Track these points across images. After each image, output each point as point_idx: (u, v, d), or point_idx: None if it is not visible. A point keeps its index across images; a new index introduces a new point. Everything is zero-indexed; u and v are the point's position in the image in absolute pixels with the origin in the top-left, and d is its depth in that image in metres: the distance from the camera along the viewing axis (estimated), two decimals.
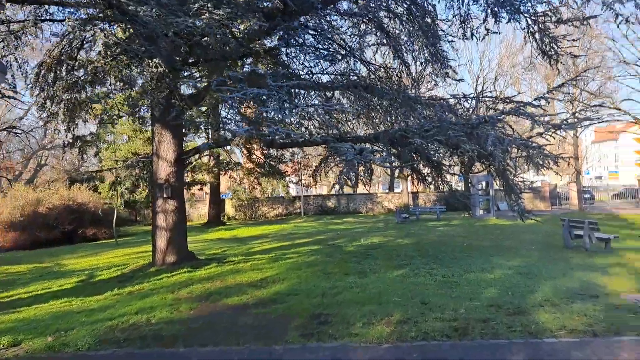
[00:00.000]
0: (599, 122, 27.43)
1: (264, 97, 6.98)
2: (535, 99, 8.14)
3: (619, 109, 24.03)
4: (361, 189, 52.19)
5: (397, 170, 28.14)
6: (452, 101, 11.13)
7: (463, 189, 35.73)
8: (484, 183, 29.15)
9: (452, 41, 10.27)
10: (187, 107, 11.30)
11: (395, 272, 10.38)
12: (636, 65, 23.53)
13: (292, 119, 9.01)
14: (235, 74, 7.58)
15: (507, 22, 10.43)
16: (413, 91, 11.85)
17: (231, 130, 10.02)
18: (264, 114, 8.35)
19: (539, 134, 9.40)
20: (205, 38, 9.41)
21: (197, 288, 9.42)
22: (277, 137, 10.18)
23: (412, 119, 9.85)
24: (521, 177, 10.07)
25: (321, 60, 11.17)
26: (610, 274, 9.45)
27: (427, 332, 6.02)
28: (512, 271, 10.02)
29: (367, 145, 9.56)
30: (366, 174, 8.73)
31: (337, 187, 7.68)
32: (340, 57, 10.56)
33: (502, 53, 40.72)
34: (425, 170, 12.02)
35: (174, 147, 11.64)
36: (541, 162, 8.42)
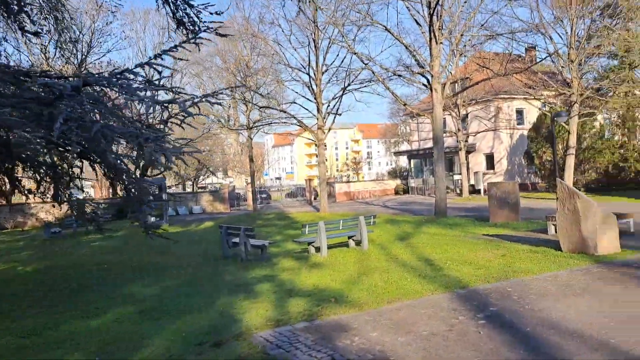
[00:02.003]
0: (268, 124, 28.17)
1: None
2: (138, 66, 5.66)
3: (285, 111, 24.86)
4: (14, 199, 42.33)
5: None
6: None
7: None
8: (157, 186, 26.43)
9: None
10: None
11: None
12: (299, 70, 24.69)
13: None
14: None
15: None
16: None
17: None
18: None
19: (162, 122, 7.02)
20: None
21: None
22: None
23: None
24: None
25: None
26: (255, 294, 7.79)
27: None
28: (136, 307, 7.36)
29: None
30: None
31: None
32: None
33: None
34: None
35: None
36: (154, 158, 5.93)
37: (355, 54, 18.69)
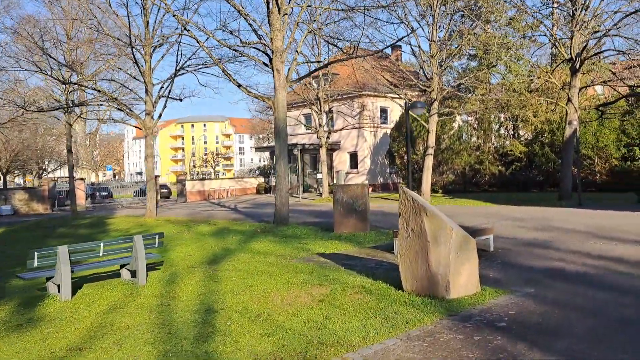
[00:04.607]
0: (80, 105, 22.74)
1: None
2: None
3: (99, 90, 19.90)
4: None
5: None
6: None
7: None
8: None
9: None
10: None
11: None
12: (120, 40, 19.85)
13: None
14: None
15: None
16: None
17: None
18: None
19: None
20: None
21: None
22: None
23: None
24: None
25: None
26: None
27: None
28: None
29: None
30: None
31: None
32: None
33: None
34: None
35: None
36: None
37: (174, 15, 14.55)
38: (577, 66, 19.62)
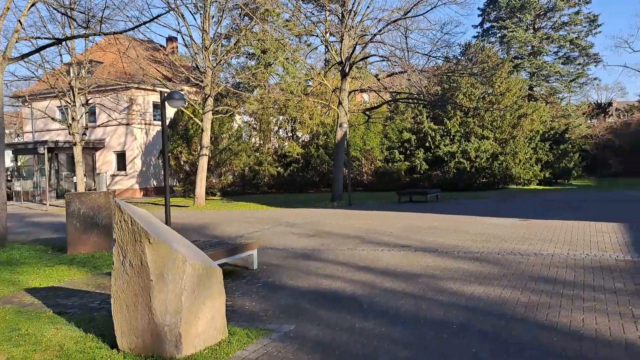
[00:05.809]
0: None
1: None
2: None
3: None
4: None
5: None
6: None
7: None
8: None
9: None
10: None
11: None
12: None
13: None
14: None
15: None
16: None
17: None
18: None
19: None
20: None
21: None
22: None
23: None
24: None
25: None
26: None
27: None
28: None
29: None
30: None
31: None
32: None
33: None
34: None
35: None
36: None
37: None
38: (347, 70, 20.05)
